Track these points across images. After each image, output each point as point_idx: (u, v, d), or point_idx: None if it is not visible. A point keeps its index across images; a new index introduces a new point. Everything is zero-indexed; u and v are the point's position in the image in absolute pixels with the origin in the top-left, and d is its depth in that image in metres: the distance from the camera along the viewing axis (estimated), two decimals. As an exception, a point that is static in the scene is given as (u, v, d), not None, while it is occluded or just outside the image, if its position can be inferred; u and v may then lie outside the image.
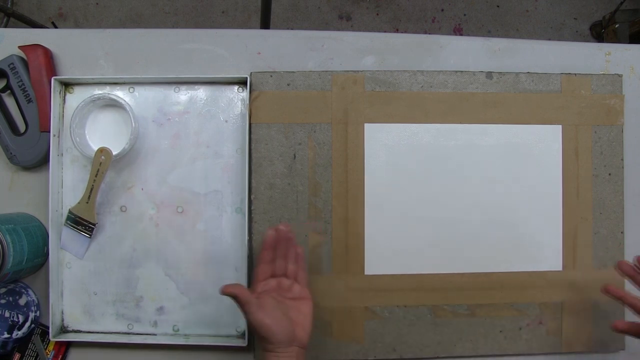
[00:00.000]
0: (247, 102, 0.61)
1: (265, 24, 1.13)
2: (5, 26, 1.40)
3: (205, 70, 0.63)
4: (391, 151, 0.63)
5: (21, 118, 0.61)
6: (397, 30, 1.59)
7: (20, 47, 0.60)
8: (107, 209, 0.62)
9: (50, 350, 0.61)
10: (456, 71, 0.64)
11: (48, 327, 0.60)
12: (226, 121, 0.62)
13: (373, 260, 0.62)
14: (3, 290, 0.60)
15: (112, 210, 0.62)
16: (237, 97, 0.63)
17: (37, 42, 0.61)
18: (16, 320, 0.59)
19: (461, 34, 1.58)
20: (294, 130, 0.62)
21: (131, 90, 0.62)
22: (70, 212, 0.60)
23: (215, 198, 0.62)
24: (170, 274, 0.62)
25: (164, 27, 1.47)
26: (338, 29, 1.57)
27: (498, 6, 1.61)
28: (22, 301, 0.60)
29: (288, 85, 0.62)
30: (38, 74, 0.60)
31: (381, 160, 0.63)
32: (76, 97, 0.62)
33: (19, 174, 0.62)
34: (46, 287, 0.60)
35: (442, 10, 1.59)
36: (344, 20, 1.58)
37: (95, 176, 0.59)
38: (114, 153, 0.59)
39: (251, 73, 0.62)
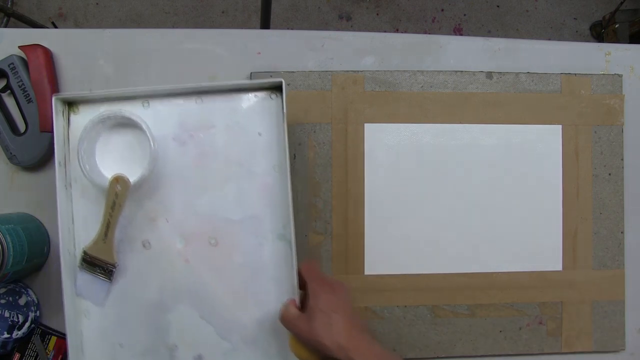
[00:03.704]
0: (284, 109, 0.52)
1: (265, 24, 1.13)
2: (5, 26, 1.40)
3: (204, 70, 0.63)
4: (391, 151, 0.63)
5: (21, 118, 0.61)
6: (397, 30, 1.59)
7: (20, 47, 0.60)
8: (128, 245, 0.54)
9: (50, 350, 0.61)
10: (456, 71, 0.64)
11: (48, 327, 0.60)
12: (259, 134, 0.54)
13: (373, 260, 0.62)
14: (3, 290, 0.60)
15: (134, 247, 0.54)
16: (270, 105, 0.54)
17: (37, 42, 0.61)
18: (16, 320, 0.59)
19: (461, 34, 1.58)
20: (294, 130, 0.62)
21: (145, 105, 0.54)
22: (85, 252, 0.53)
23: (253, 225, 0.54)
24: (207, 316, 0.54)
25: (164, 27, 1.47)
26: (338, 29, 1.57)
27: (498, 6, 1.61)
28: (22, 301, 0.60)
29: (288, 85, 0.62)
30: (38, 74, 0.60)
31: (381, 160, 0.63)
32: (82, 118, 0.53)
33: (19, 174, 0.62)
34: (46, 287, 0.60)
35: (442, 10, 1.59)
36: (344, 20, 1.58)
37: (112, 209, 0.51)
38: (132, 181, 0.51)
39: (251, 73, 0.62)
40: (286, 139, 0.52)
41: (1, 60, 0.60)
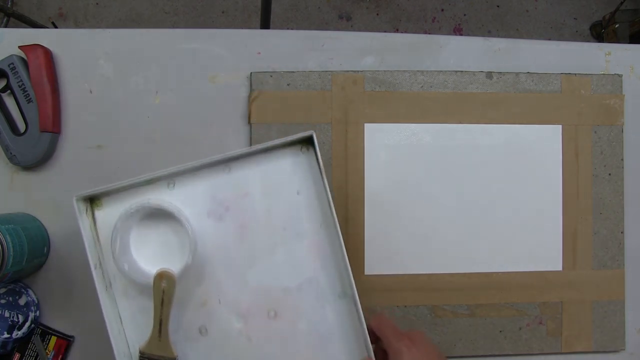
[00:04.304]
0: (319, 164, 0.50)
1: (265, 24, 1.13)
2: (5, 26, 1.40)
3: (204, 70, 0.63)
4: (391, 151, 0.63)
5: (21, 118, 0.61)
6: (397, 30, 1.59)
7: (20, 47, 0.60)
8: (184, 335, 0.51)
9: (50, 350, 0.61)
10: (456, 71, 0.64)
11: (48, 327, 0.60)
12: (298, 193, 0.51)
13: (373, 260, 0.62)
14: (3, 290, 0.60)
15: (190, 335, 0.51)
16: (302, 160, 0.51)
17: (37, 42, 0.61)
18: (16, 320, 0.59)
19: (461, 34, 1.58)
20: (294, 130, 0.62)
21: (170, 186, 0.51)
22: (141, 353, 0.50)
23: (311, 288, 0.51)
24: None
25: (164, 27, 1.47)
26: (338, 29, 1.57)
27: (498, 6, 1.61)
28: (22, 301, 0.60)
29: (288, 85, 0.62)
30: (38, 74, 0.60)
31: (381, 160, 0.63)
32: (107, 211, 0.51)
33: (19, 174, 0.62)
34: (46, 287, 0.61)
35: (442, 10, 1.59)
36: (344, 20, 1.58)
37: (161, 306, 0.48)
38: (175, 272, 0.48)
39: (251, 73, 0.62)
40: (328, 192, 0.49)
41: (1, 60, 0.60)
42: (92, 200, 0.51)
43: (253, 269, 0.51)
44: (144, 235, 0.51)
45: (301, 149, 0.52)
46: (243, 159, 0.51)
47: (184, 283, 0.50)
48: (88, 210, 0.51)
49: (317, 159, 0.50)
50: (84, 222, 0.49)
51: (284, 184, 0.51)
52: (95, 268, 0.49)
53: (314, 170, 0.51)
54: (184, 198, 0.51)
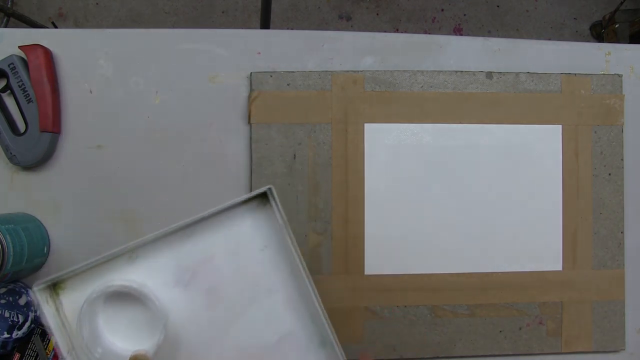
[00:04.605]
0: (279, 217, 0.48)
1: (265, 24, 1.13)
2: (5, 26, 1.40)
3: (204, 70, 0.63)
4: (391, 151, 0.63)
5: (21, 118, 0.61)
6: (397, 30, 1.59)
7: (20, 47, 0.60)
8: None
9: (50, 351, 0.61)
10: (456, 71, 0.64)
11: (48, 327, 0.60)
12: (264, 247, 0.51)
13: (373, 260, 0.62)
14: (3, 290, 0.60)
15: None
16: (263, 214, 0.51)
17: (37, 42, 0.61)
18: (16, 320, 0.59)
19: (461, 34, 1.58)
20: (294, 130, 0.62)
21: (131, 260, 0.50)
22: None
23: (290, 341, 0.51)
24: None
25: (164, 27, 1.47)
26: (338, 29, 1.57)
27: (498, 6, 1.61)
28: (22, 301, 0.60)
29: (288, 85, 0.62)
30: (38, 74, 0.60)
31: (381, 160, 0.63)
32: (71, 293, 0.50)
33: (19, 174, 0.62)
34: (46, 287, 0.61)
35: (442, 10, 1.60)
36: (344, 20, 1.58)
37: None
38: (148, 351, 0.47)
39: (251, 73, 0.62)
40: (292, 245, 0.48)
41: (1, 60, 0.60)
42: (55, 285, 0.50)
43: (229, 330, 0.50)
44: (112, 315, 0.49)
45: (258, 204, 0.50)
46: (203, 223, 0.50)
47: (161, 356, 0.49)
48: (50, 297, 0.49)
49: (277, 213, 0.48)
50: (48, 311, 0.47)
51: (248, 241, 0.51)
52: (69, 353, 0.47)
53: (275, 223, 0.50)
54: (148, 270, 0.50)
